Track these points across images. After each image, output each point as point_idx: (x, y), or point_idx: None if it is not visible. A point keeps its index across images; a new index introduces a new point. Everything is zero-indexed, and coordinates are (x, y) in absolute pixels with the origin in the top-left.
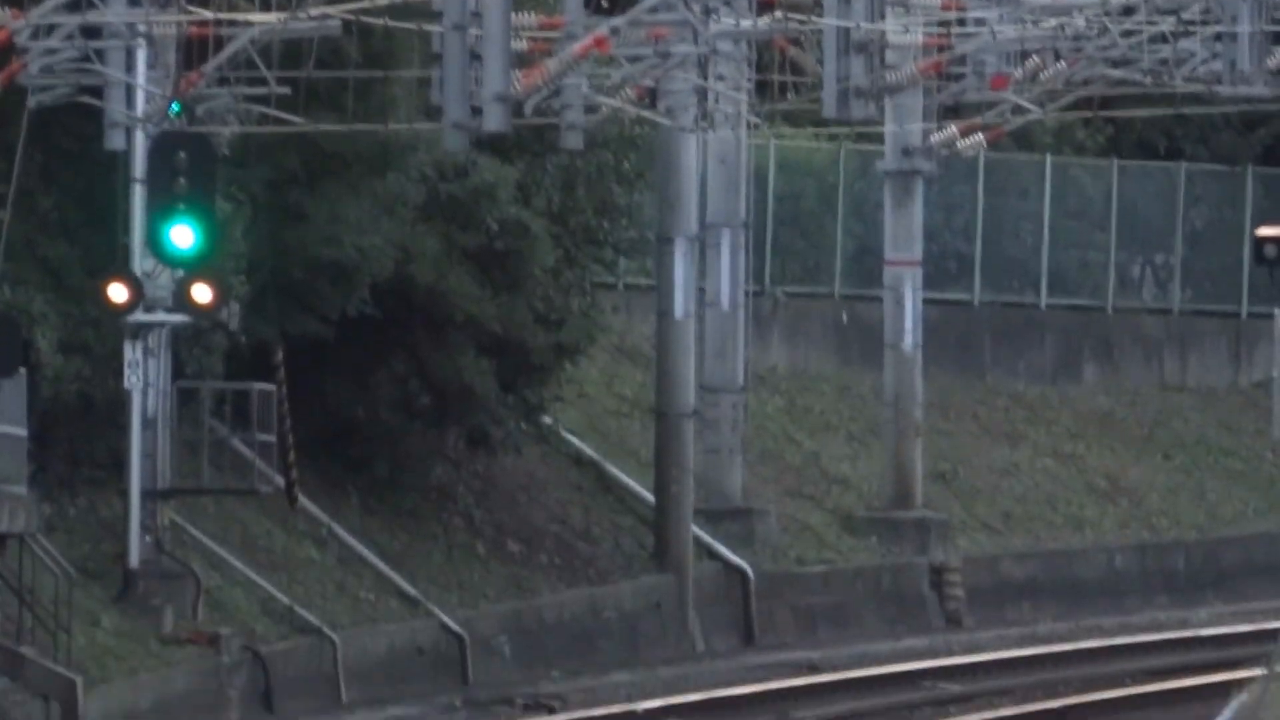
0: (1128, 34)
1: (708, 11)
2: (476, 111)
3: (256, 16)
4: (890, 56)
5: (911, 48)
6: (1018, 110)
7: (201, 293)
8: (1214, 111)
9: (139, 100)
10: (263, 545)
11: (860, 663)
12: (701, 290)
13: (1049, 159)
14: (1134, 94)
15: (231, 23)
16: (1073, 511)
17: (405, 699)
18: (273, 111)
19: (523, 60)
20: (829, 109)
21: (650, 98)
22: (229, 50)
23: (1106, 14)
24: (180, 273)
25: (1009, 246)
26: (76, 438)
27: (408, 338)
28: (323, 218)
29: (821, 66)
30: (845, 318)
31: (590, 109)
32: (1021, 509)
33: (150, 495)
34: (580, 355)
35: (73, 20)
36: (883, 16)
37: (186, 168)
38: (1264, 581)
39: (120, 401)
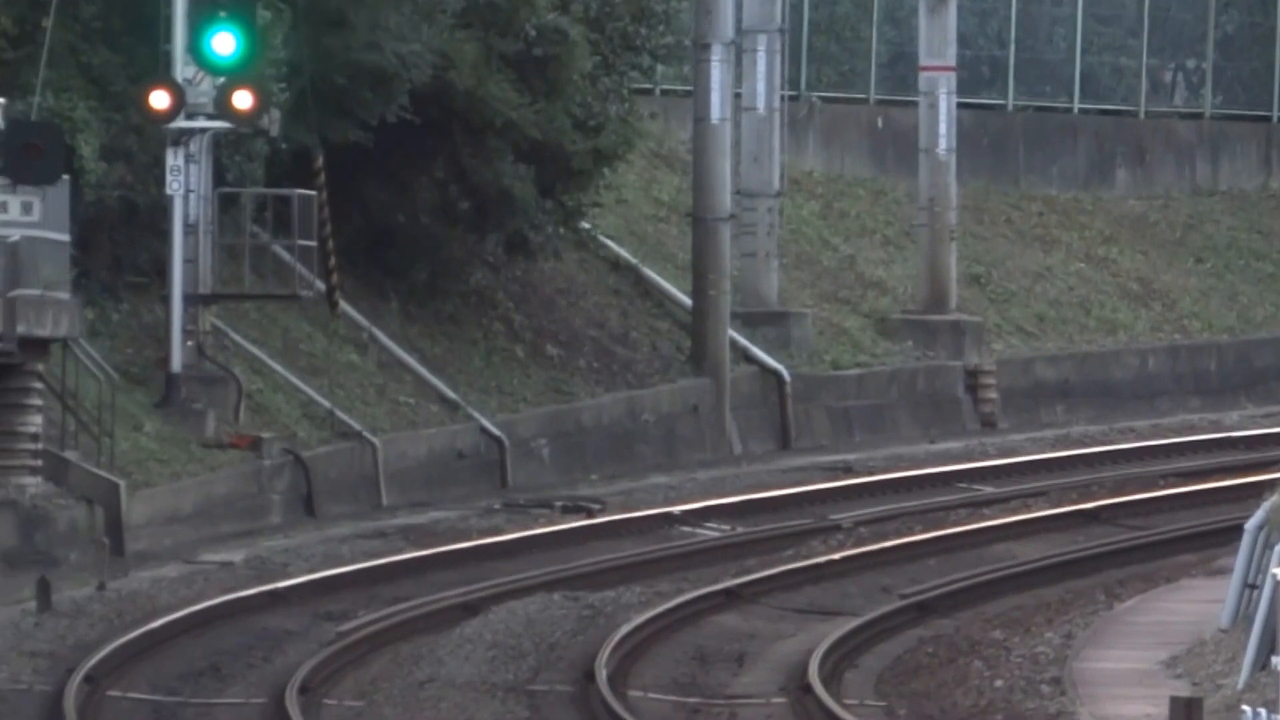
0: None
1: None
2: None
3: None
4: None
5: None
6: None
7: (242, 99)
8: None
9: None
10: (304, 350)
11: (895, 465)
12: (738, 96)
13: None
14: None
15: None
16: (1105, 315)
17: (445, 502)
18: None
19: None
20: None
21: None
22: None
23: None
24: (221, 79)
25: (1042, 51)
26: (119, 243)
27: (447, 144)
28: (363, 24)
29: None
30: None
31: None
32: (1055, 312)
33: (192, 300)
34: (618, 161)
35: None
36: None
37: None
38: None
39: (162, 207)
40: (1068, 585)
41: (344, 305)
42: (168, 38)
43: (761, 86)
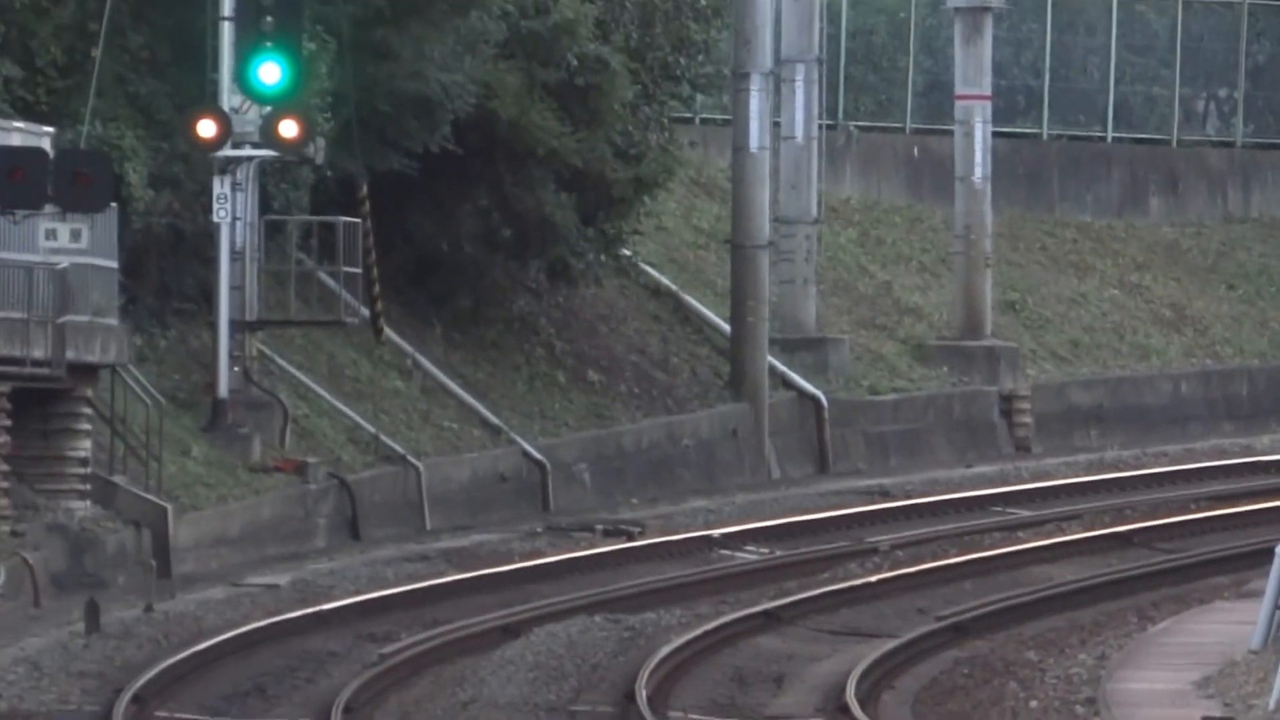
0: None
1: None
2: None
3: None
4: None
5: None
6: None
7: (288, 128)
8: None
9: None
10: (349, 375)
11: (931, 489)
12: (776, 124)
13: None
14: None
15: None
16: (1139, 340)
17: (487, 525)
18: None
19: None
20: None
21: None
22: None
23: None
24: (267, 108)
25: (1076, 81)
26: (166, 270)
27: (490, 172)
28: (407, 54)
29: None
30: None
31: None
32: (1089, 338)
33: (238, 326)
34: (658, 189)
35: None
36: None
37: (273, 6)
38: None
39: (209, 235)
40: (1101, 607)
41: (388, 331)
42: (214, 67)
43: (799, 115)
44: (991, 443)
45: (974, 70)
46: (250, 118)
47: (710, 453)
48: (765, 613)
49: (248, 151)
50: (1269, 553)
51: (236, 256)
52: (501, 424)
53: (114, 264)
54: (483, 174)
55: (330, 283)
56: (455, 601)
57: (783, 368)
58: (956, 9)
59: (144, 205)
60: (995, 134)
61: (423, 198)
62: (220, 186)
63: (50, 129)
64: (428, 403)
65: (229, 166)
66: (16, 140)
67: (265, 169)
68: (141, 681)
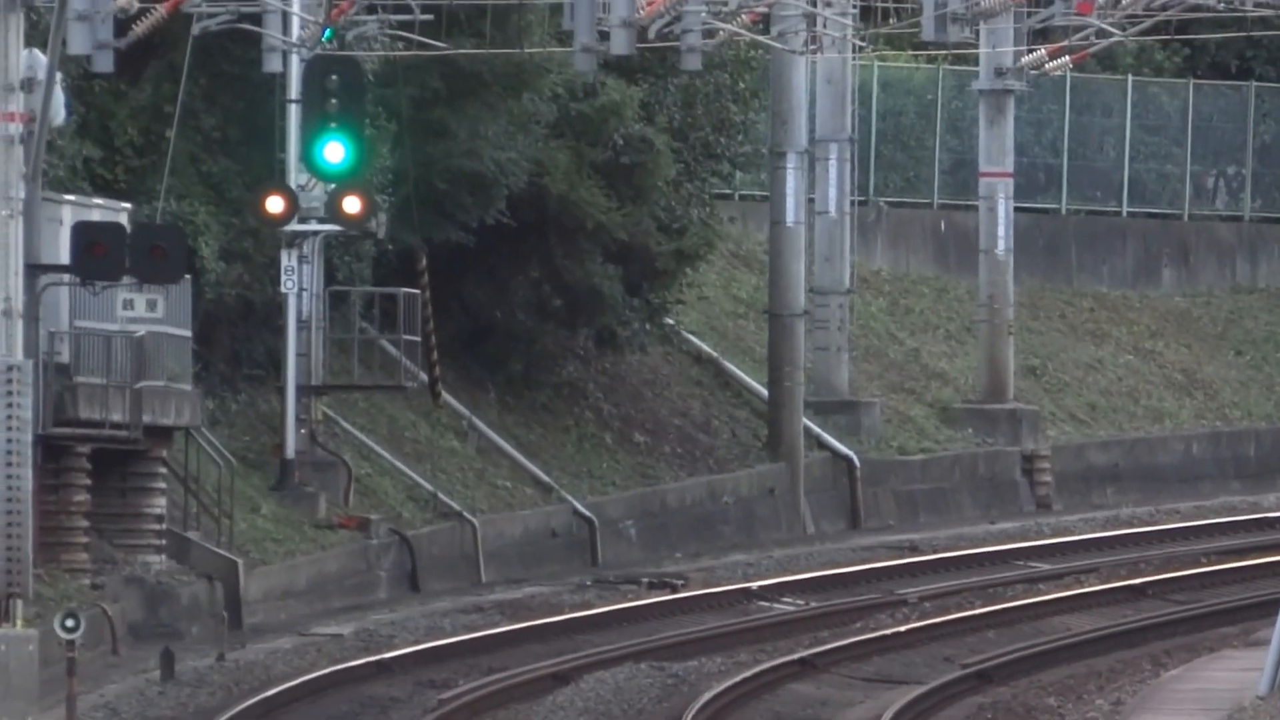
0: None
1: None
2: (604, 36)
3: None
4: None
5: None
6: (1101, 33)
7: (351, 204)
8: None
9: (294, 26)
10: (408, 437)
11: (957, 544)
12: (811, 200)
13: (1130, 79)
14: (1208, 18)
15: None
16: (1152, 404)
17: (540, 578)
18: (417, 37)
19: None
20: (928, 33)
21: (764, 22)
22: None
23: None
24: (332, 186)
25: (1093, 159)
26: (237, 338)
27: (541, 245)
28: (463, 134)
29: None
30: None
31: (708, 33)
32: (1105, 401)
33: (305, 391)
34: (700, 261)
35: None
36: None
37: (338, 89)
38: None
39: (277, 305)
40: (1117, 655)
41: (446, 395)
42: (282, 147)
43: (833, 191)
44: (1014, 500)
45: (997, 149)
46: (316, 194)
47: (749, 510)
48: (801, 660)
49: (313, 226)
50: (1275, 603)
51: (303, 325)
52: (552, 482)
53: (188, 332)
54: (534, 247)
55: (391, 349)
56: (509, 650)
57: (817, 429)
58: (981, 91)
59: (216, 277)
60: (1017, 209)
61: (478, 269)
62: (288, 259)
63: (127, 205)
64: (483, 462)
65: (296, 240)
66: (96, 216)
67: (330, 242)
68: None
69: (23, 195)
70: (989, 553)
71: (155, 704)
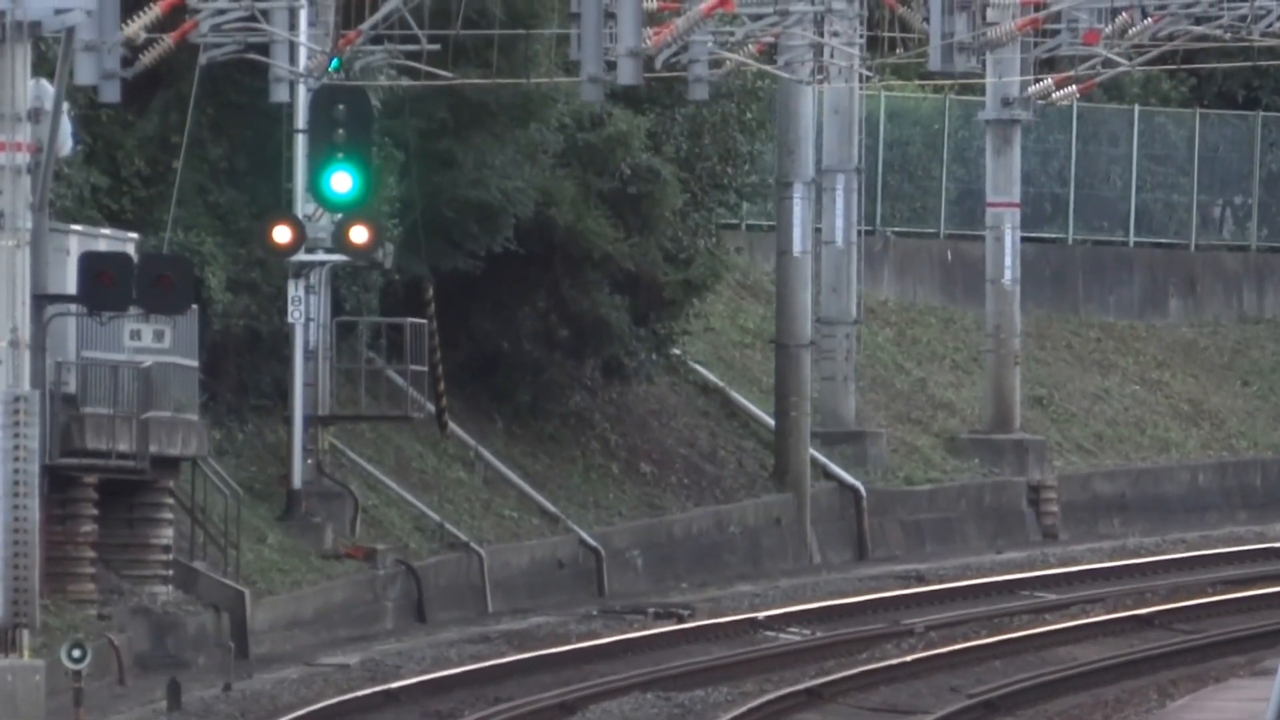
0: None
1: None
2: (611, 66)
3: None
4: (990, 14)
5: (1010, 5)
6: (1108, 63)
7: (358, 234)
8: None
9: (301, 57)
10: (415, 467)
11: (964, 574)
12: (818, 230)
13: (1136, 109)
14: (1215, 48)
15: None
16: (1159, 434)
17: (546, 608)
18: (424, 67)
19: (653, 18)
20: (934, 63)
21: (770, 52)
22: (384, 10)
23: None
24: (339, 216)
25: (1100, 189)
26: (244, 369)
27: (548, 275)
28: (470, 164)
29: (928, 24)
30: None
31: (715, 63)
32: (1112, 431)
33: (312, 421)
34: (707, 291)
35: None
36: None
37: (345, 119)
38: None
39: (284, 335)
40: (1124, 685)
41: (452, 426)
42: (289, 177)
43: (840, 222)
44: (1020, 530)
45: (1004, 179)
46: (323, 225)
47: (756, 540)
48: (808, 690)
49: (320, 256)
50: None
51: (310, 355)
52: (559, 513)
53: (195, 363)
54: (541, 278)
55: (398, 380)
56: (516, 680)
57: (824, 460)
58: (987, 121)
59: (223, 307)
60: (1024, 239)
61: (485, 300)
62: (295, 290)
63: (135, 235)
64: (489, 492)
65: (303, 271)
66: (103, 246)
67: (337, 273)
68: None
69: (29, 225)
70: (995, 583)
71: None
